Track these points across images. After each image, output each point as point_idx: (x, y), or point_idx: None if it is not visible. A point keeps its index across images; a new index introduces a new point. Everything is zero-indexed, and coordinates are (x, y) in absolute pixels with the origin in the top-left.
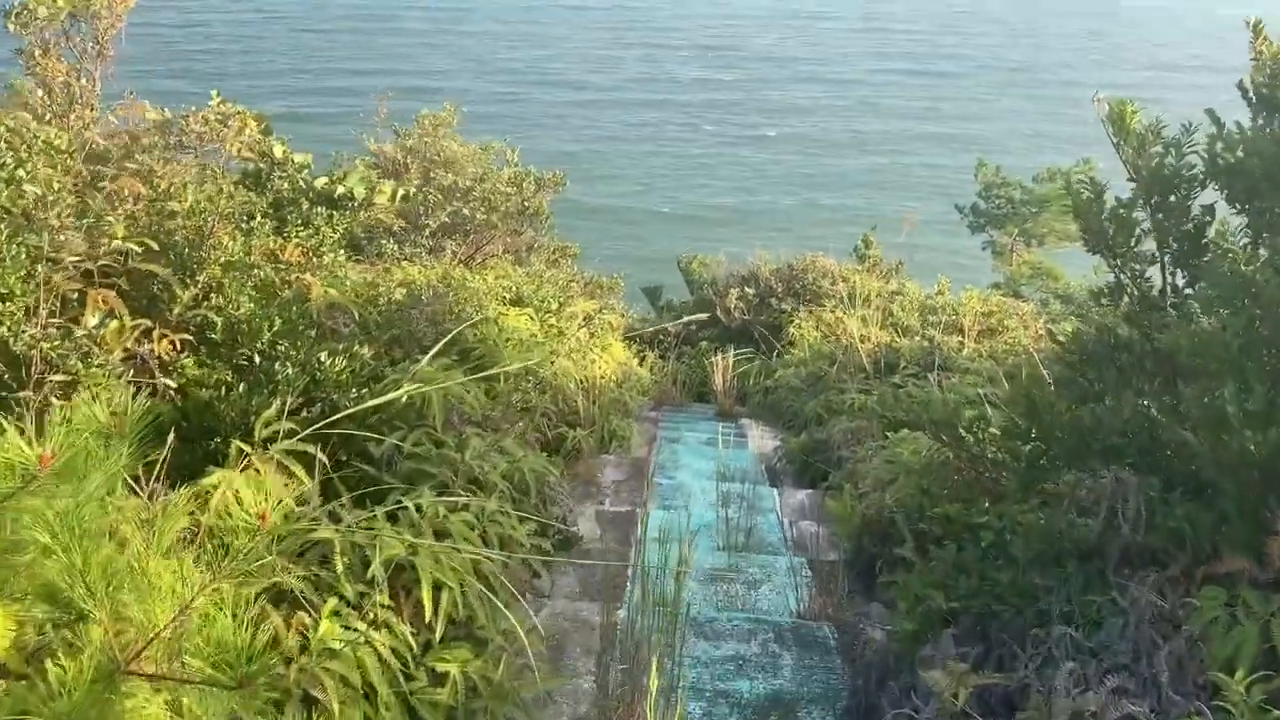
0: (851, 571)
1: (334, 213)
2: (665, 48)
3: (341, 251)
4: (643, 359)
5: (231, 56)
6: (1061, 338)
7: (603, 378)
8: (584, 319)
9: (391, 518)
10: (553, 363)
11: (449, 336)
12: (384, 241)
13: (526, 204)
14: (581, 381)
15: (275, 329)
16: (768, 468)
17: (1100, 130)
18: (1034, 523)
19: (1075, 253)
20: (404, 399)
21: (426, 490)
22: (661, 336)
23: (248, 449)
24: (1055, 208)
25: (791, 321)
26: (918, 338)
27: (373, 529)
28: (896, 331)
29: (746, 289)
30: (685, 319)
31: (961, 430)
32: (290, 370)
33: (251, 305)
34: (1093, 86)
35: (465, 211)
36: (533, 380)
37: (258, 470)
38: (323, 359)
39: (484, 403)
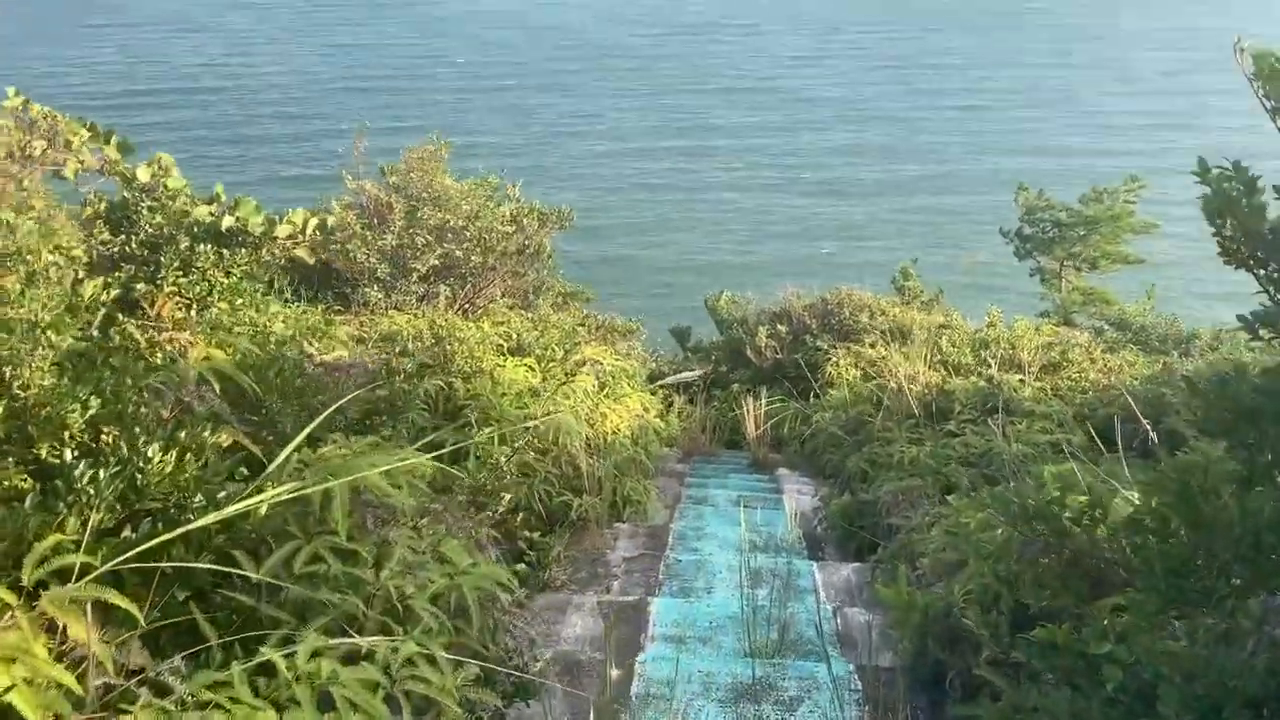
0: (912, 680)
1: (224, 251)
2: (697, 91)
3: (270, 300)
4: (669, 405)
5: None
6: (1189, 376)
7: (615, 433)
8: (592, 366)
9: (268, 671)
10: (550, 413)
11: (344, 400)
12: (369, 290)
13: (527, 243)
14: (590, 439)
15: (92, 413)
16: (806, 533)
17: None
18: (1189, 658)
19: (1127, 276)
20: (309, 496)
21: (312, 633)
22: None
23: (10, 599)
24: (1106, 229)
25: (828, 360)
26: (973, 377)
27: (238, 699)
28: (947, 369)
29: (778, 326)
30: (674, 378)
31: (1067, 523)
32: (102, 473)
33: (52, 380)
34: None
35: (458, 253)
36: (528, 440)
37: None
38: (151, 455)
39: (424, 492)
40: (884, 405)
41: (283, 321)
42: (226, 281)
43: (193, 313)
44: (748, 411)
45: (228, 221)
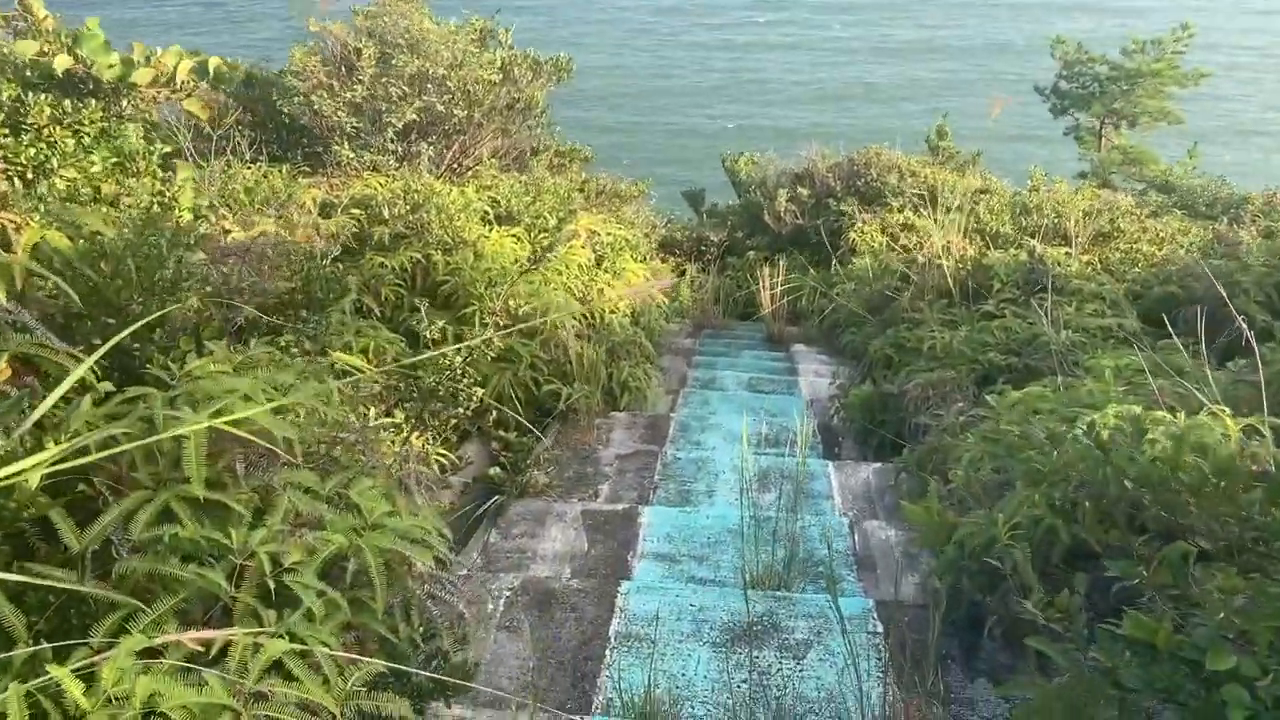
0: (946, 622)
1: (67, 103)
2: None
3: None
4: (682, 273)
5: None
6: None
7: (613, 312)
8: (588, 236)
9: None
10: (536, 290)
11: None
12: (340, 148)
13: (518, 96)
14: (584, 319)
15: None
16: (822, 424)
17: None
18: None
19: (1170, 134)
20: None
21: (138, 630)
22: (703, 247)
23: None
24: (1149, 83)
25: (853, 226)
26: (1013, 249)
27: None
28: (985, 240)
29: (800, 189)
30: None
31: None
32: None
33: None
34: None
35: (439, 107)
36: (511, 321)
37: None
38: None
39: (332, 416)
40: (913, 280)
41: (195, 190)
42: (73, 142)
43: (18, 184)
44: (763, 283)
45: (63, 62)
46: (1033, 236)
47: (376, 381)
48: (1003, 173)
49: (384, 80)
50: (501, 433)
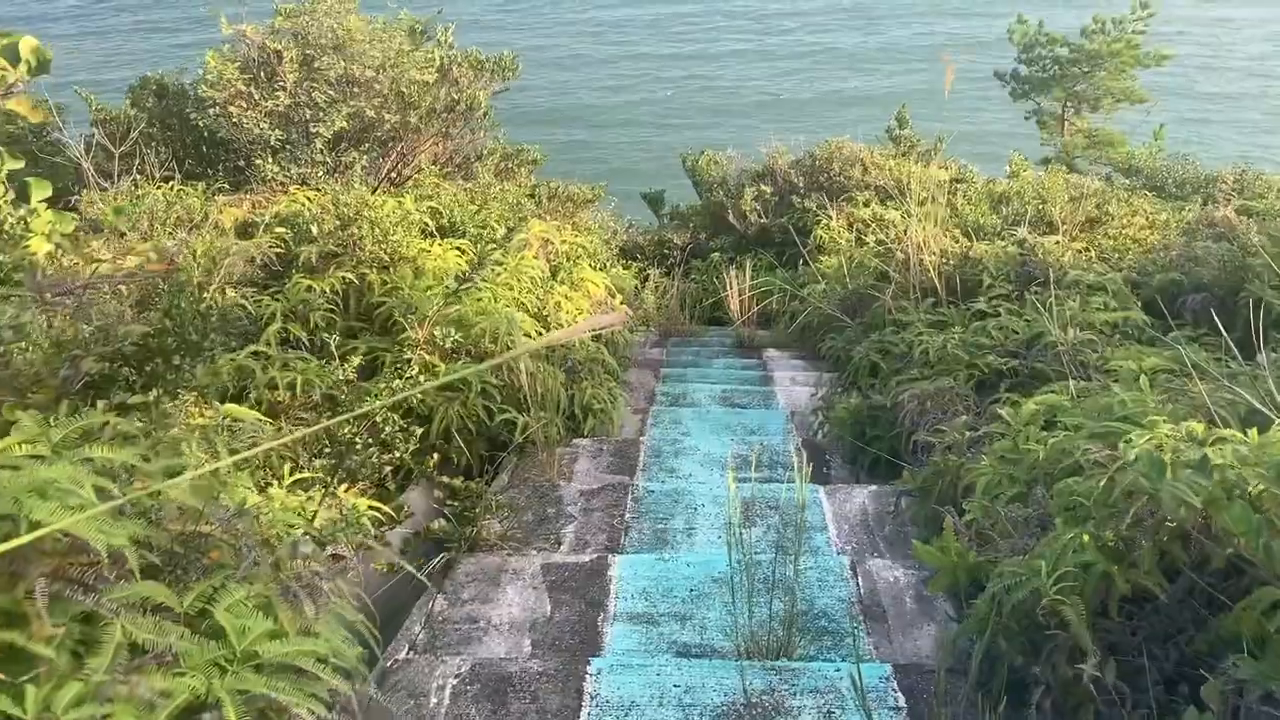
0: (981, 691)
1: None
2: None
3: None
4: (644, 279)
5: None
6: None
7: (572, 324)
8: (541, 245)
9: None
10: (483, 309)
11: None
12: (263, 162)
13: (457, 98)
14: (540, 336)
15: None
16: (806, 441)
17: None
18: None
19: (1133, 116)
20: None
21: None
22: (666, 251)
23: None
24: (1111, 64)
25: (819, 223)
26: (999, 240)
27: None
28: (966, 233)
29: (762, 187)
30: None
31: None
32: None
33: None
34: None
35: (370, 112)
36: (454, 344)
37: None
38: None
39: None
40: (893, 279)
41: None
42: None
43: None
44: (730, 285)
45: None
46: (1015, 226)
47: (281, 433)
48: (967, 162)
49: (308, 86)
50: (446, 479)
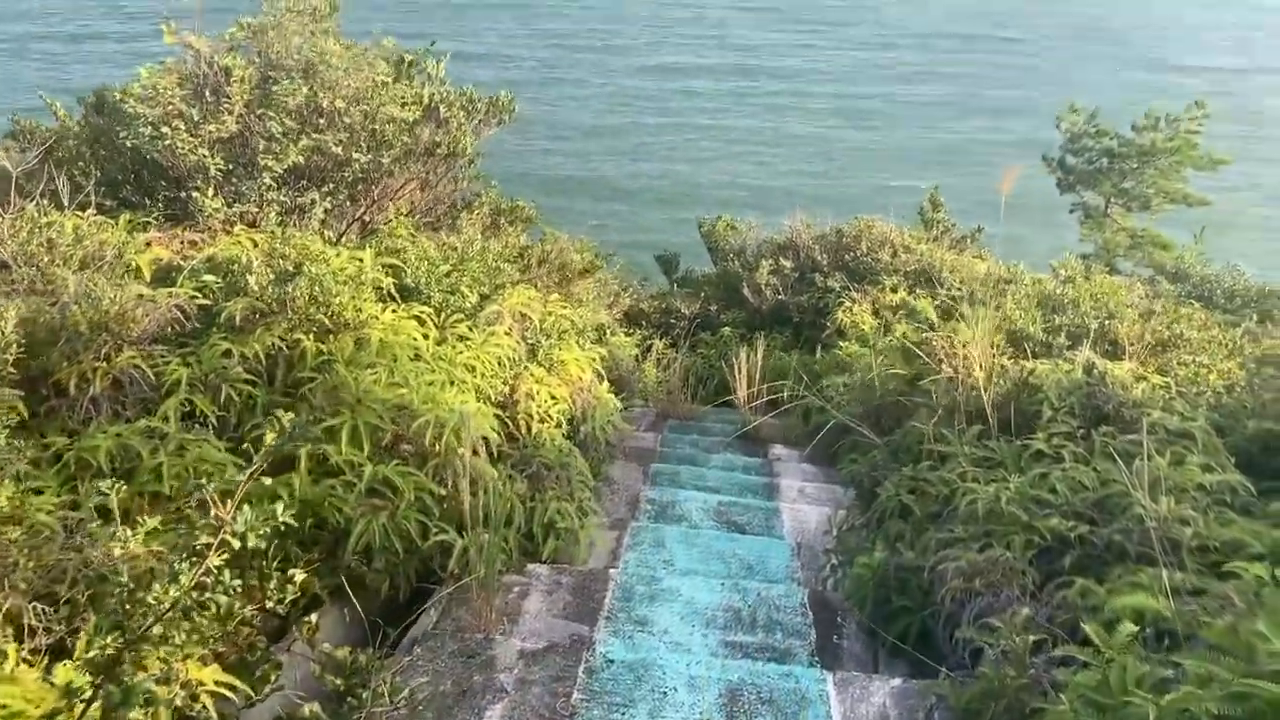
0: None
1: None
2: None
3: None
4: (647, 349)
5: None
6: None
7: (542, 419)
8: (516, 320)
9: None
10: (431, 395)
11: None
12: (202, 196)
13: (439, 140)
14: (501, 432)
15: None
16: (814, 594)
17: None
18: None
19: (1182, 218)
20: None
21: None
22: (673, 320)
23: None
24: (1163, 161)
25: (840, 305)
26: (1058, 361)
27: None
28: (1015, 344)
29: (782, 261)
30: None
31: None
32: None
33: None
34: None
35: (335, 148)
36: (397, 437)
37: None
38: None
39: None
40: (932, 394)
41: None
42: None
43: None
44: (740, 369)
45: None
46: (1070, 342)
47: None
48: (1001, 254)
49: (262, 112)
50: (327, 648)
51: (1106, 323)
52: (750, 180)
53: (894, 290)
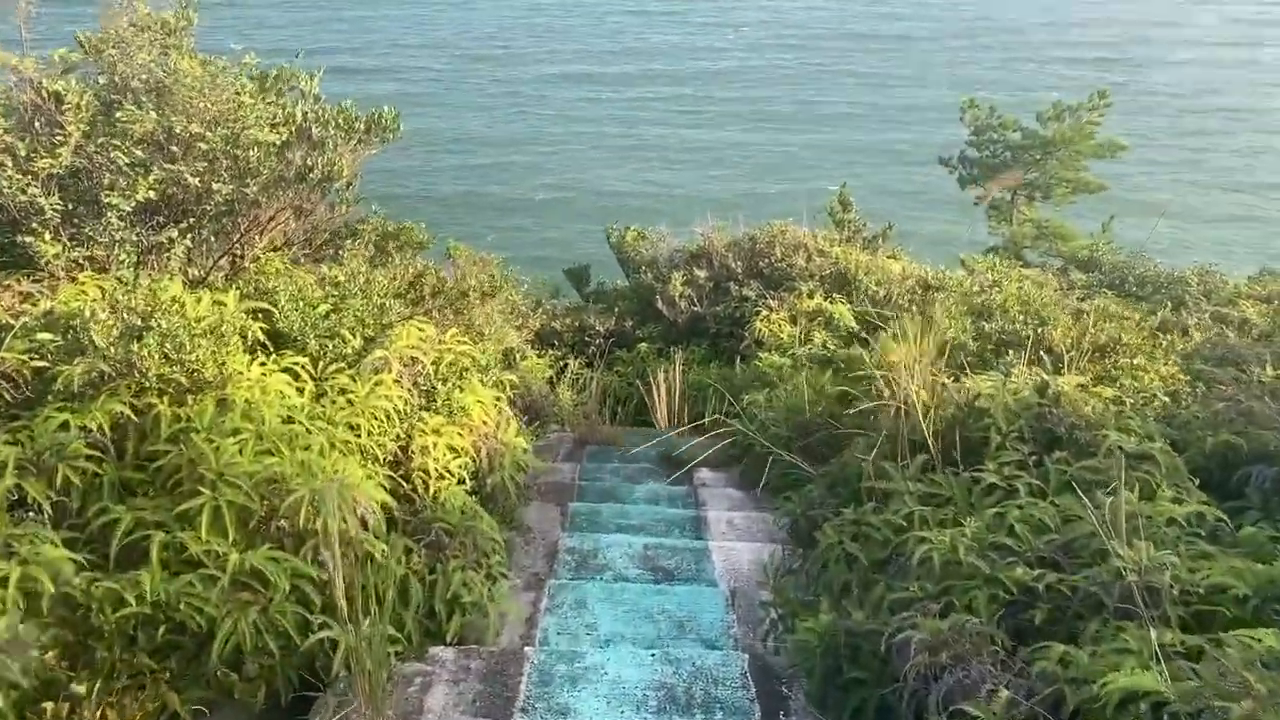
0: None
1: None
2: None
3: None
4: (562, 370)
5: None
6: None
7: (441, 477)
8: (406, 365)
9: None
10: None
11: None
12: (38, 240)
13: (311, 164)
14: (396, 495)
15: None
16: (755, 659)
17: None
18: None
19: (1084, 208)
20: None
21: None
22: (587, 337)
23: None
24: (1064, 153)
25: (758, 314)
26: (1002, 376)
27: None
28: (951, 360)
29: (695, 270)
30: None
31: None
32: None
33: None
34: None
35: (191, 179)
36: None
37: None
38: None
39: None
40: (866, 417)
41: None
42: None
43: None
44: (657, 389)
45: None
46: (999, 350)
47: None
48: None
49: (104, 142)
50: None
51: (1039, 329)
52: (658, 189)
53: (810, 296)
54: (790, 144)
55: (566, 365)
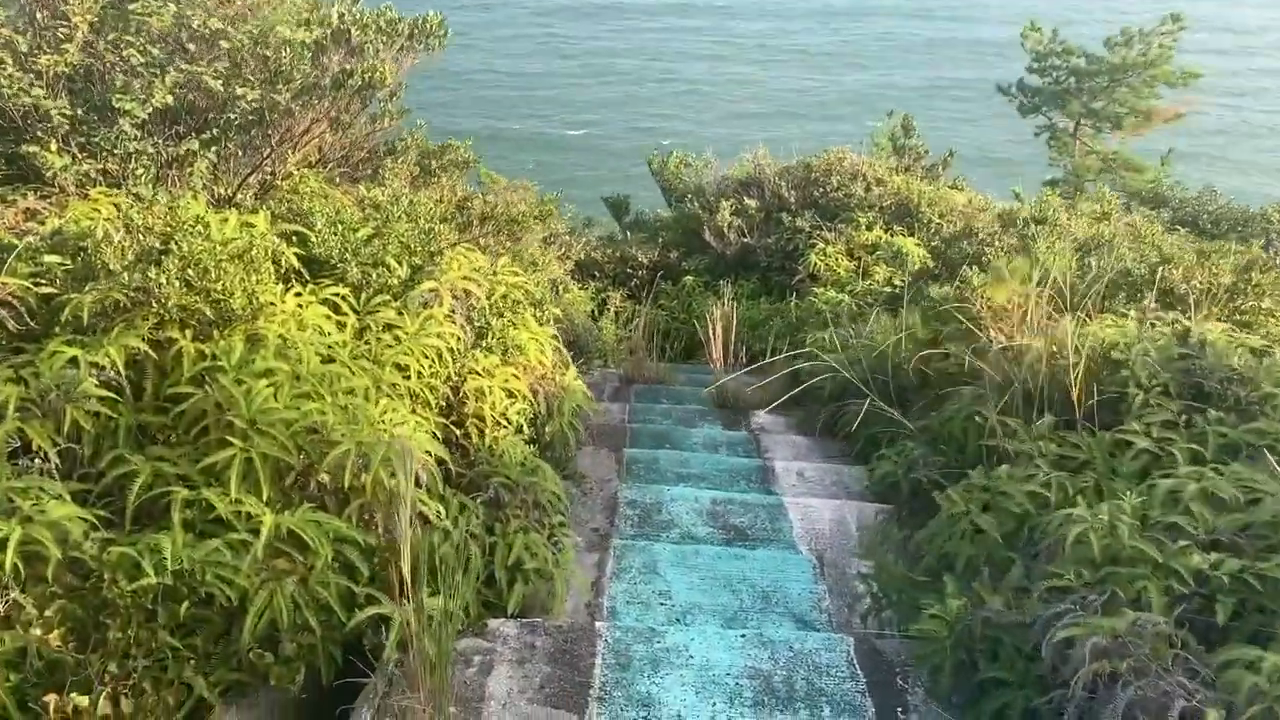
0: None
1: None
2: None
3: None
4: (603, 303)
5: None
6: None
7: (498, 425)
8: (458, 298)
9: None
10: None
11: None
12: (46, 151)
13: (350, 70)
14: (449, 445)
15: None
16: (862, 642)
17: None
18: None
19: (1156, 140)
20: None
21: None
22: (630, 269)
23: None
24: (1135, 79)
25: (813, 247)
26: (1145, 323)
27: None
28: (1060, 303)
29: (745, 200)
30: None
31: None
32: None
33: None
34: None
35: (213, 83)
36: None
37: None
38: None
39: None
40: (961, 366)
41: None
42: None
43: None
44: (713, 326)
45: None
46: (1109, 292)
47: None
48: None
49: (116, 39)
50: None
51: (1158, 269)
52: (692, 126)
53: (869, 228)
54: (843, 84)
55: (607, 299)
